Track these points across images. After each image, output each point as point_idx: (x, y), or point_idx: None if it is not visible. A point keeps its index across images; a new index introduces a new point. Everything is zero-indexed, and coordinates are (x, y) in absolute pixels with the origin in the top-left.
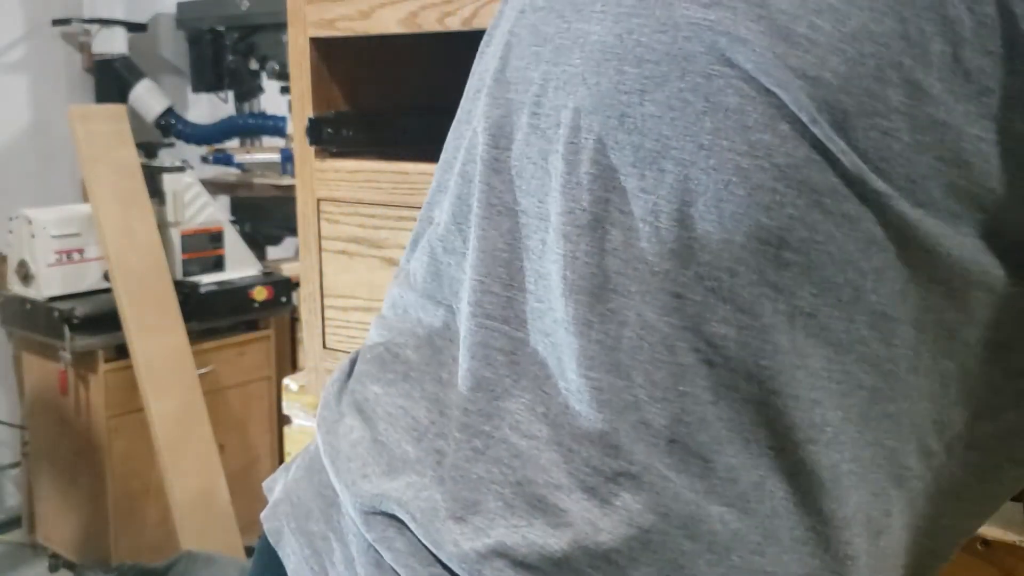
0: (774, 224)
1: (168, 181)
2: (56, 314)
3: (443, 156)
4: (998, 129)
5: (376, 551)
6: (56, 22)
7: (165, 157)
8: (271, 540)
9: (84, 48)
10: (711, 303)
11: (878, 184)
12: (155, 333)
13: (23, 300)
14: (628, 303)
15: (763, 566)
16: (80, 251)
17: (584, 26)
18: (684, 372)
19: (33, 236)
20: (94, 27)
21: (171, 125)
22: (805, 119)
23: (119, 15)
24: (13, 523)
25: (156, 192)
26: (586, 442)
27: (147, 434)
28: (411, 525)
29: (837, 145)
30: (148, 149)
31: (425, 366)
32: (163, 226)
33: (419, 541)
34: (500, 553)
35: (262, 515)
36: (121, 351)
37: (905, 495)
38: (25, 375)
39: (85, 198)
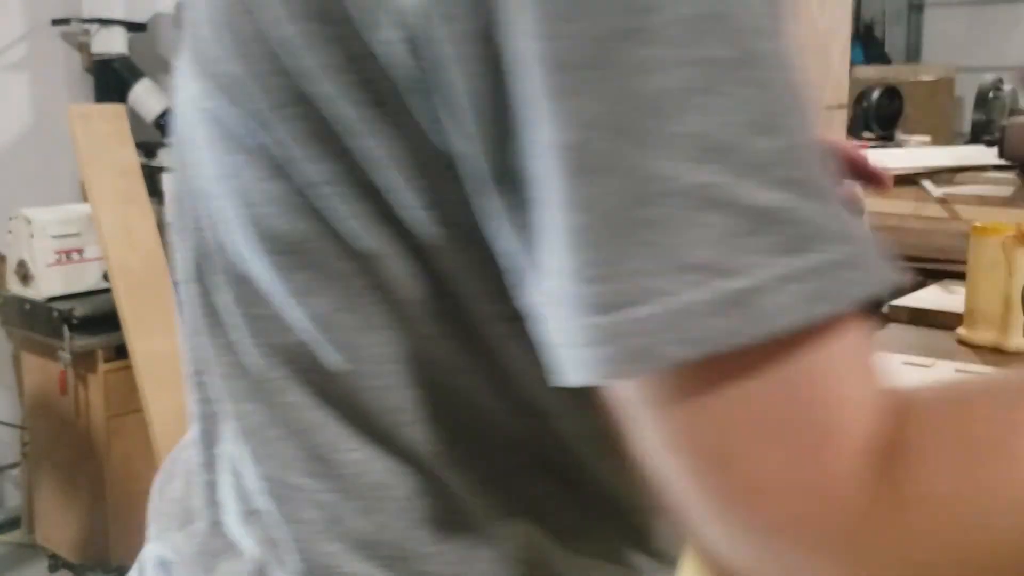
0: (270, 233)
1: (168, 181)
2: (56, 314)
3: None
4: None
5: None
6: (55, 22)
7: (165, 157)
8: None
9: (83, 48)
10: (271, 316)
11: (322, 168)
12: (155, 333)
13: (22, 300)
14: (232, 334)
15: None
16: (79, 251)
17: (181, 86)
18: (278, 385)
19: (32, 236)
20: (93, 27)
21: (171, 125)
22: (241, 130)
23: (118, 15)
24: (12, 523)
25: (155, 192)
26: (235, 468)
27: (147, 434)
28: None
29: (278, 145)
30: (148, 149)
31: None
32: (163, 226)
33: None
34: None
35: None
36: (121, 351)
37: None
38: (25, 375)
39: (84, 198)
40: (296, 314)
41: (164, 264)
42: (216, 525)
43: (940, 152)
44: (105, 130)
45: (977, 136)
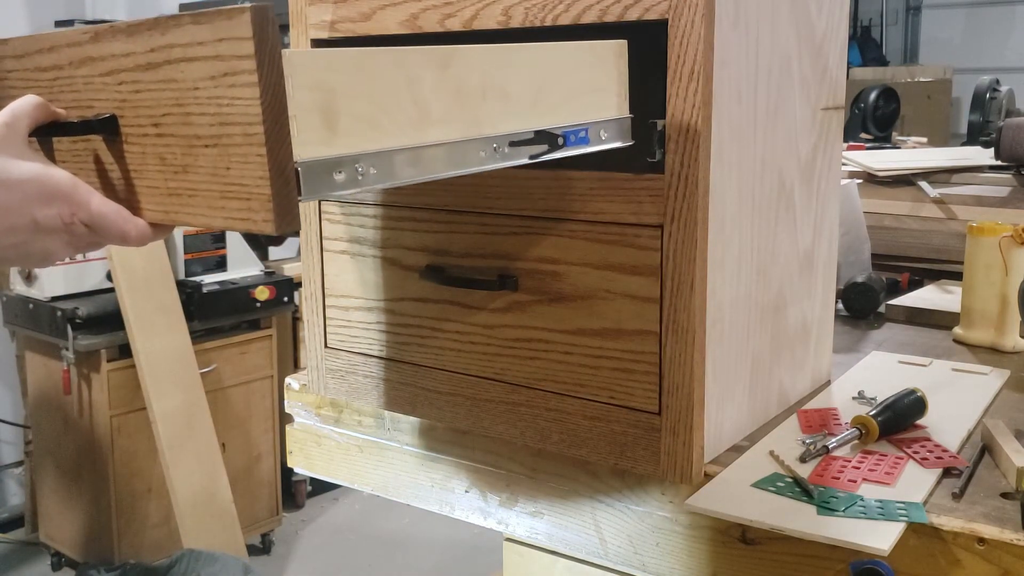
0: None
1: None
2: (59, 314)
3: None
4: None
5: None
6: (59, 23)
7: None
8: None
9: None
10: None
11: None
12: (158, 333)
13: (26, 300)
14: None
15: None
16: None
17: None
18: None
19: None
20: None
21: None
22: None
23: (122, 16)
24: (16, 522)
25: None
26: None
27: (150, 433)
28: None
29: None
30: None
31: None
32: None
33: None
34: None
35: None
36: (124, 350)
37: None
38: (28, 374)
39: None
40: None
41: (167, 264)
42: None
43: (937, 153)
44: None
45: (974, 137)
